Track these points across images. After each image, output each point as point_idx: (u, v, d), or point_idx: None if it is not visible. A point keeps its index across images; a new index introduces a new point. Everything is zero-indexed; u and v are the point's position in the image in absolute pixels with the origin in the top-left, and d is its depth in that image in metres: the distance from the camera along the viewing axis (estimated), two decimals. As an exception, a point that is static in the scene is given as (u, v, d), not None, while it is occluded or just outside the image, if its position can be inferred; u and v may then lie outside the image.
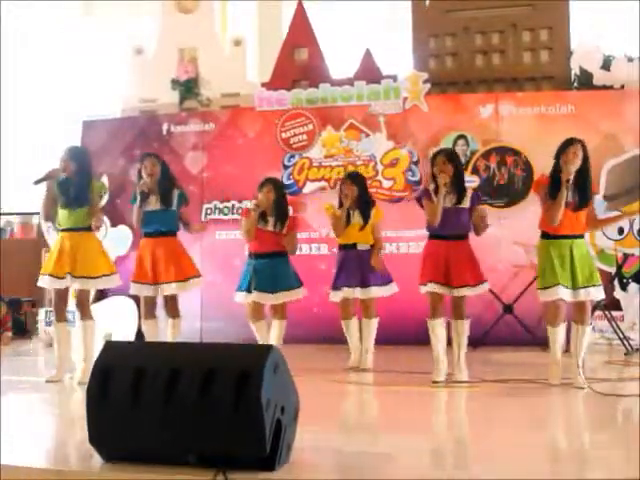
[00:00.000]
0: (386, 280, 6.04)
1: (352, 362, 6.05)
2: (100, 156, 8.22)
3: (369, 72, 8.07)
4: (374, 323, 6.06)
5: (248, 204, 6.61)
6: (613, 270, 7.19)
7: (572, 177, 5.00)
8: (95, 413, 3.16)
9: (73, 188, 5.55)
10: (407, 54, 8.33)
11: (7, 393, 5.01)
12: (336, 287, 6.05)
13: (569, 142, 5.14)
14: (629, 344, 6.71)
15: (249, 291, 5.93)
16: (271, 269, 5.93)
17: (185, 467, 3.04)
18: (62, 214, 5.61)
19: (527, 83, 8.08)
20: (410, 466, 3.30)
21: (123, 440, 3.15)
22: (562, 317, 5.18)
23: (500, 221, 7.31)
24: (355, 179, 6.15)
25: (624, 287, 7.20)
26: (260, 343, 5.74)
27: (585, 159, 5.12)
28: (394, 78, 7.89)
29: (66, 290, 5.70)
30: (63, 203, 5.57)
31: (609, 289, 7.14)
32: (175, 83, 8.65)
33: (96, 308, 6.23)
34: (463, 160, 7.55)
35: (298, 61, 8.47)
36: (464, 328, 5.45)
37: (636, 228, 7.26)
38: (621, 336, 6.77)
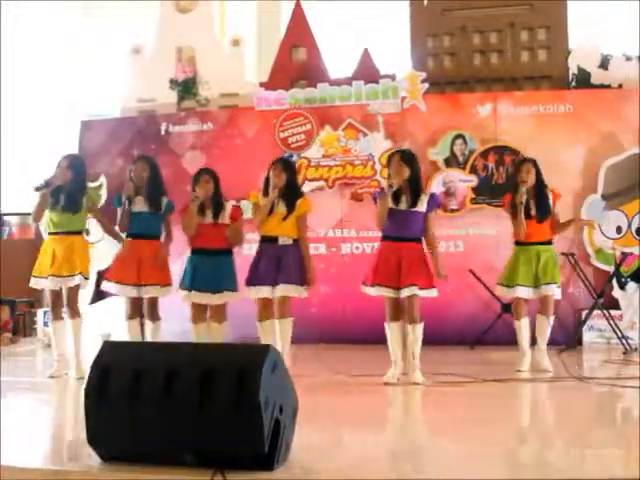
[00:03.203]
0: (302, 281, 5.65)
1: None
2: (98, 156, 8.23)
3: (367, 72, 8.05)
4: (288, 323, 5.63)
5: (244, 204, 6.54)
6: (611, 269, 7.19)
7: (525, 196, 5.67)
8: (93, 413, 3.17)
9: (66, 194, 5.79)
10: (405, 54, 8.32)
11: (6, 393, 5.01)
12: (251, 284, 5.63)
13: (521, 162, 5.90)
14: (627, 343, 6.72)
15: (190, 290, 5.71)
16: (214, 267, 5.70)
17: (183, 467, 3.04)
18: (52, 218, 5.84)
19: (525, 82, 8.06)
20: (409, 466, 3.30)
21: (121, 440, 3.16)
22: (524, 312, 5.83)
23: (498, 220, 7.32)
24: (285, 165, 5.77)
25: (622, 286, 7.19)
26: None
27: (538, 174, 5.77)
28: (392, 78, 7.88)
29: (61, 290, 5.86)
30: (53, 208, 5.81)
31: (607, 288, 7.16)
32: (173, 83, 8.62)
33: (94, 309, 6.26)
34: (461, 160, 7.58)
35: (296, 61, 8.46)
36: (417, 332, 5.28)
37: (634, 227, 7.27)
38: (619, 335, 6.77)
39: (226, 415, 2.99)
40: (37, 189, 5.81)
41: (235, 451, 3.02)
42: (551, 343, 6.09)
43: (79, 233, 5.90)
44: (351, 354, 6.79)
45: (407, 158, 5.41)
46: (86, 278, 5.88)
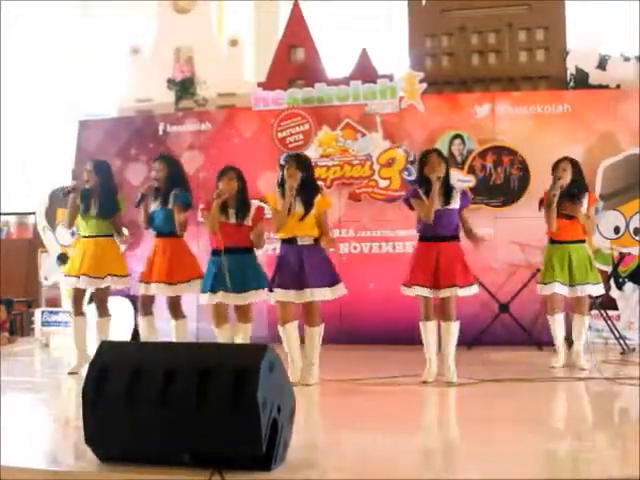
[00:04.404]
0: (333, 280, 5.32)
1: (292, 376, 4.96)
2: (96, 156, 8.19)
3: (365, 72, 8.06)
4: (318, 331, 5.33)
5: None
6: (609, 269, 7.19)
7: (559, 191, 5.68)
8: (91, 413, 3.16)
9: (97, 200, 5.99)
10: (403, 54, 8.33)
11: (5, 394, 5.01)
12: (272, 288, 5.31)
13: (559, 160, 5.85)
14: (625, 343, 6.72)
15: (214, 291, 5.41)
16: (238, 266, 5.39)
17: (181, 467, 3.04)
18: (84, 222, 6.03)
19: (523, 82, 8.07)
20: (407, 466, 3.30)
21: (119, 440, 3.15)
22: (558, 308, 5.91)
23: (496, 220, 7.33)
24: (299, 163, 5.40)
25: (620, 286, 7.20)
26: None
27: (576, 173, 5.83)
28: (390, 78, 7.88)
29: (84, 289, 6.11)
30: (85, 213, 6.00)
31: (605, 288, 7.16)
32: (171, 83, 8.63)
33: (93, 309, 6.26)
34: (459, 160, 7.58)
35: (294, 61, 8.46)
36: (453, 330, 5.36)
37: (632, 227, 7.27)
38: (617, 335, 6.77)
39: (224, 415, 2.99)
40: (65, 194, 6.00)
41: (233, 451, 3.02)
42: (550, 343, 6.10)
43: (111, 235, 6.12)
44: (349, 355, 6.79)
45: (443, 156, 5.51)
46: (123, 276, 6.09)
